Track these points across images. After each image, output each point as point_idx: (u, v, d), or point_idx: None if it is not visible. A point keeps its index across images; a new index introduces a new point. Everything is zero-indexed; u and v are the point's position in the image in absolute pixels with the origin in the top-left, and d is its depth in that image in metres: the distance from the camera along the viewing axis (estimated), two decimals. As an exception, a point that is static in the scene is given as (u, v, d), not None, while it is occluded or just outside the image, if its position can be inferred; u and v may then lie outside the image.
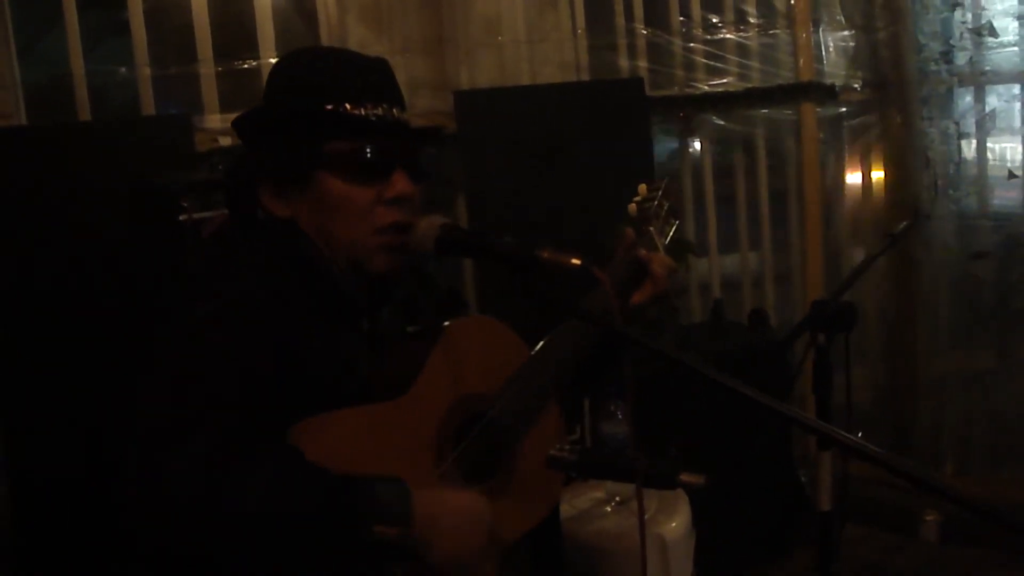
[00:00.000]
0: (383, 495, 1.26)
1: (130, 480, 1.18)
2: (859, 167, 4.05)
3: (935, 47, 3.71)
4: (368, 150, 1.45)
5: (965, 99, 3.78)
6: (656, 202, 1.74)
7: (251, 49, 3.19)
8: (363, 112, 1.45)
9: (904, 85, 3.80)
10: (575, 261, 1.31)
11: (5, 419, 2.57)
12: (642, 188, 1.77)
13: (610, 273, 1.59)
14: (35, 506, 2.53)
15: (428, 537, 1.29)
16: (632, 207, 1.73)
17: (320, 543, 1.21)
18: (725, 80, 3.76)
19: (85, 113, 3.00)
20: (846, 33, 3.88)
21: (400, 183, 1.47)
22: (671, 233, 1.77)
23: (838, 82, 3.88)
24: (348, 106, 1.44)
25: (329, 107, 1.44)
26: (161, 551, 1.21)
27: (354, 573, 1.27)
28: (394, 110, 1.49)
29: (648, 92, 3.59)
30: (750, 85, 3.77)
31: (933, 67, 3.73)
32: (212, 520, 1.17)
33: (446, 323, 1.52)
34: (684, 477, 1.34)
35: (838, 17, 3.85)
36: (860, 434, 3.89)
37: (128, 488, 1.18)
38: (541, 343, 1.58)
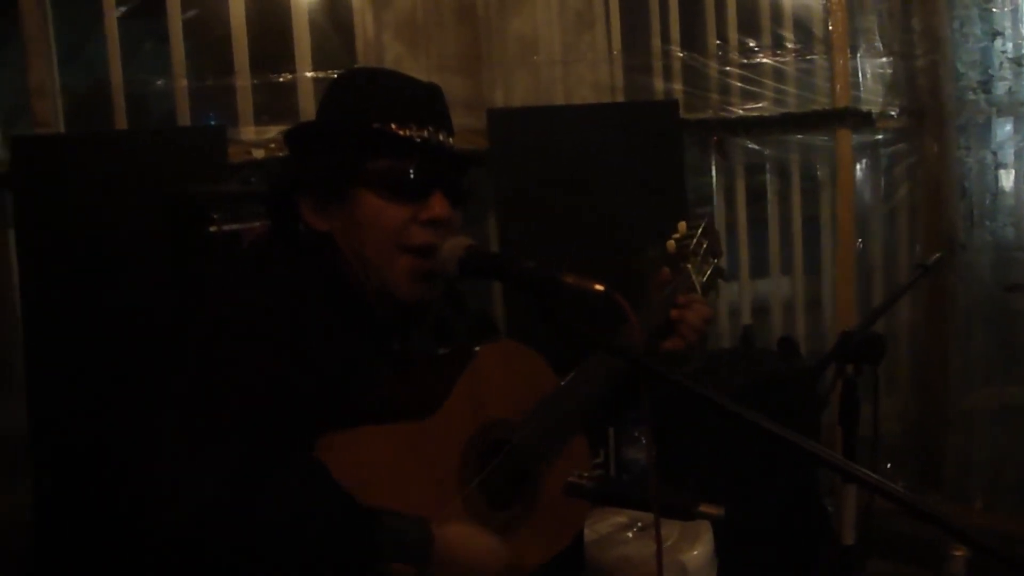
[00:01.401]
0: (404, 532, 1.27)
1: (152, 489, 1.20)
2: (894, 195, 4.00)
3: (974, 76, 3.67)
4: (409, 170, 1.47)
5: (1004, 129, 3.74)
6: (695, 240, 1.74)
7: (287, 63, 3.22)
8: (408, 133, 1.47)
9: (942, 113, 3.76)
10: (598, 287, 1.30)
11: (35, 424, 2.59)
12: (682, 226, 1.77)
13: (644, 317, 1.59)
14: (59, 511, 2.55)
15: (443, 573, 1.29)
16: (671, 244, 1.73)
17: (336, 570, 1.21)
18: (760, 104, 3.73)
19: (122, 122, 3.04)
20: (884, 60, 3.85)
21: (438, 206, 1.48)
22: (709, 272, 1.76)
23: (875, 109, 3.84)
24: (394, 126, 1.47)
25: (376, 125, 1.46)
26: (180, 560, 1.21)
27: None
28: (440, 134, 1.51)
29: (682, 115, 3.58)
30: (786, 110, 3.74)
31: (971, 96, 3.69)
32: (231, 532, 1.18)
33: (476, 347, 1.53)
34: (703, 508, 1.33)
35: (876, 44, 3.82)
36: (889, 465, 3.84)
37: (150, 496, 1.19)
38: (571, 374, 1.58)
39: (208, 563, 1.20)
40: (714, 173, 3.79)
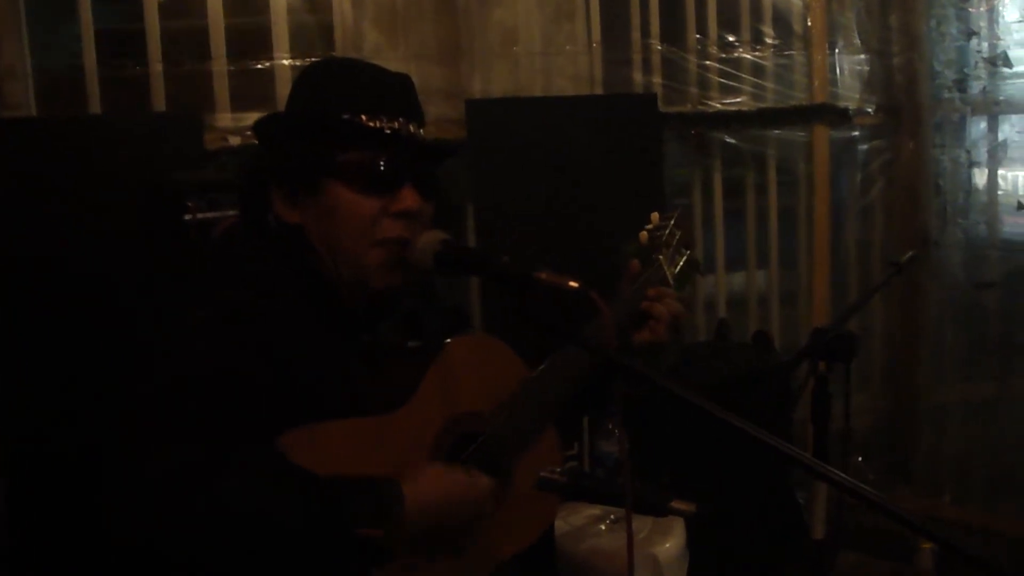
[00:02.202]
0: (372, 494, 1.27)
1: (116, 480, 1.19)
2: (869, 191, 4.03)
3: (950, 75, 3.71)
4: (380, 162, 1.46)
5: (978, 128, 3.78)
6: (668, 231, 1.73)
7: (265, 50, 3.19)
8: (378, 124, 1.46)
9: (917, 111, 3.80)
10: (572, 284, 1.30)
11: (3, 418, 2.56)
12: (654, 216, 1.76)
13: (615, 307, 1.59)
14: (30, 505, 2.52)
15: (423, 529, 1.31)
16: (643, 235, 1.72)
17: (302, 545, 1.21)
18: (739, 99, 3.74)
19: (96, 107, 3.00)
20: (862, 57, 3.87)
21: (409, 198, 1.47)
22: (681, 263, 1.76)
23: (852, 105, 3.86)
24: (364, 117, 1.46)
25: (346, 116, 1.46)
26: (144, 551, 1.21)
27: (333, 572, 1.27)
28: (411, 126, 1.50)
29: (661, 108, 3.58)
30: (764, 105, 3.75)
31: (947, 94, 3.73)
32: (195, 523, 1.18)
33: (447, 340, 1.52)
34: (675, 505, 1.34)
35: (854, 41, 3.84)
36: (860, 459, 3.88)
37: (113, 488, 1.19)
38: (541, 366, 1.58)
39: (169, 554, 1.20)
40: (692, 166, 3.81)
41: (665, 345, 1.68)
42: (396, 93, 1.51)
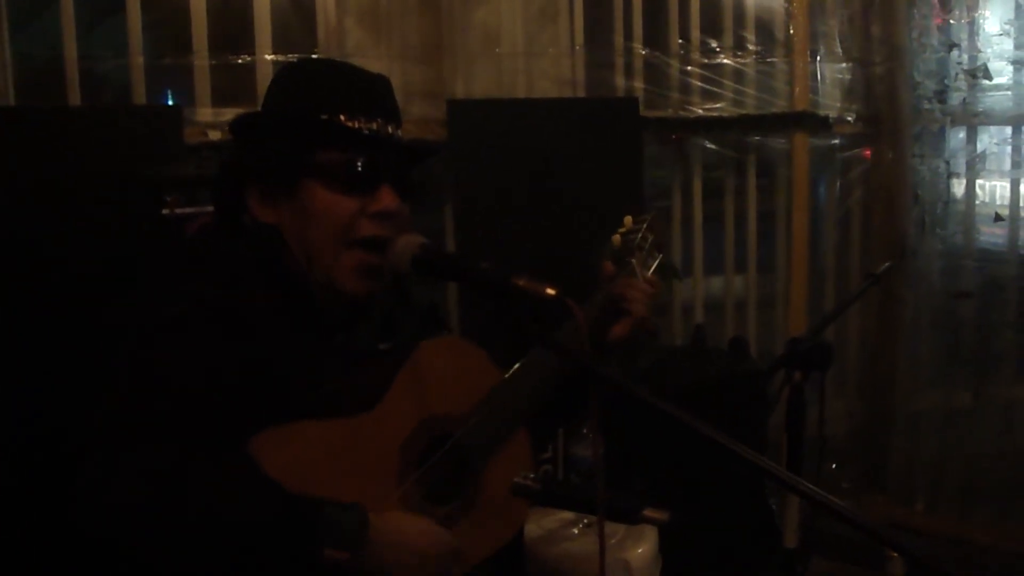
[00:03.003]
0: (337, 517, 1.25)
1: (82, 480, 1.18)
2: (848, 199, 4.06)
3: (930, 85, 3.74)
4: (358, 162, 1.46)
5: (957, 138, 3.81)
6: (640, 235, 1.74)
7: (247, 45, 3.17)
8: (356, 125, 1.46)
9: (897, 121, 3.83)
10: (550, 291, 1.30)
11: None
12: (627, 220, 1.76)
13: (588, 308, 1.59)
14: (7, 505, 2.49)
15: (381, 565, 1.28)
16: (616, 238, 1.73)
17: (268, 558, 1.21)
18: (720, 105, 3.76)
19: (76, 98, 2.98)
20: (843, 65, 3.90)
21: (386, 198, 1.47)
22: (654, 266, 1.76)
23: (832, 114, 3.88)
24: (342, 117, 1.46)
25: (324, 116, 1.46)
26: (112, 550, 1.20)
27: None
28: (388, 127, 1.50)
29: (642, 112, 3.59)
30: (744, 111, 3.77)
31: (927, 105, 3.76)
32: (159, 525, 1.17)
33: (420, 343, 1.51)
34: (648, 513, 1.35)
35: (836, 49, 3.87)
36: (834, 466, 3.90)
37: (79, 487, 1.18)
38: (512, 368, 1.58)
39: (134, 556, 1.20)
40: (672, 171, 3.82)
41: (643, 340, 1.68)
42: (374, 94, 1.51)
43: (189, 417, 1.23)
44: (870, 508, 3.75)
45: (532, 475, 1.42)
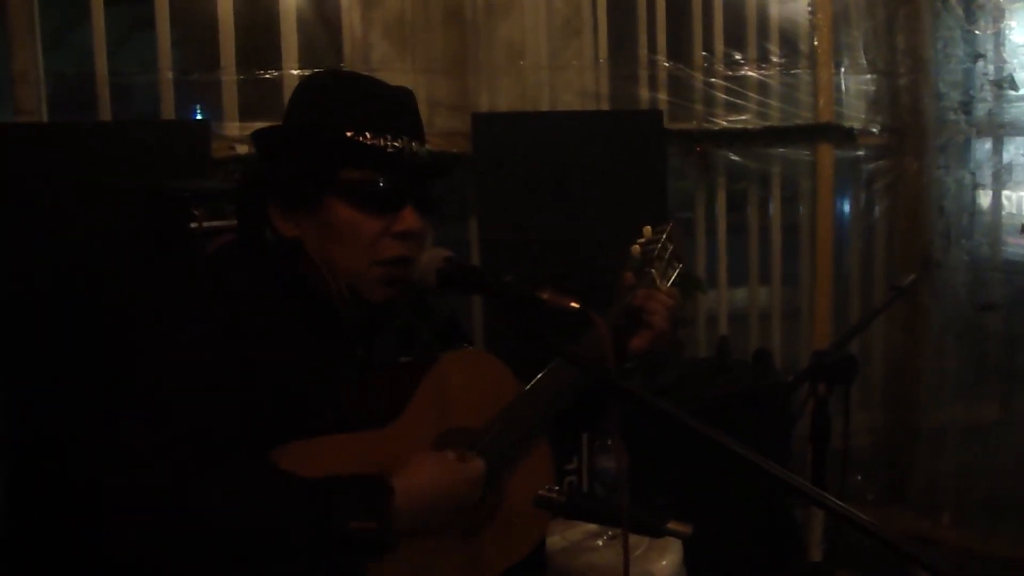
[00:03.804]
0: (359, 490, 1.28)
1: (109, 496, 1.20)
2: (873, 211, 4.04)
3: (955, 96, 3.72)
4: (381, 181, 1.45)
5: (983, 149, 3.79)
6: (660, 245, 1.74)
7: (274, 60, 3.21)
8: (382, 143, 1.44)
9: (922, 132, 3.81)
10: (574, 304, 1.31)
11: (2, 417, 2.57)
12: (646, 230, 1.77)
13: (608, 319, 1.59)
14: (27, 503, 2.53)
15: (412, 525, 1.32)
16: (635, 248, 1.73)
17: (298, 544, 1.23)
18: (744, 117, 3.76)
19: (106, 113, 3.03)
20: (868, 77, 3.88)
21: (410, 218, 1.47)
22: (673, 277, 1.77)
23: (856, 125, 3.87)
24: (368, 135, 1.44)
25: (349, 134, 1.44)
26: (139, 562, 1.22)
27: (330, 569, 1.28)
28: (413, 143, 1.48)
29: (666, 124, 3.59)
30: (769, 123, 3.77)
31: (952, 116, 3.74)
32: (187, 533, 1.19)
33: (440, 355, 1.53)
34: (672, 526, 1.35)
35: (860, 61, 3.86)
36: (859, 477, 3.88)
37: (107, 500, 1.20)
38: (533, 381, 1.58)
39: (167, 564, 1.21)
40: (697, 183, 3.82)
41: (666, 352, 1.68)
42: (399, 110, 1.51)
43: (210, 432, 1.25)
44: (895, 521, 3.72)
45: (556, 487, 1.43)
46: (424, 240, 1.50)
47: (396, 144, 1.45)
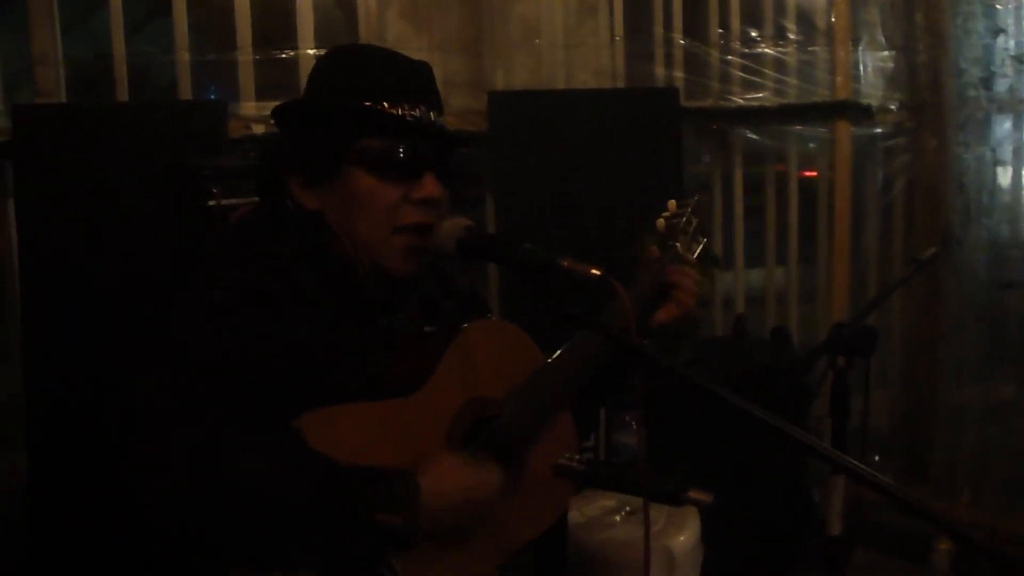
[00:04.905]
0: (388, 484, 1.28)
1: (133, 462, 1.21)
2: (891, 189, 4.01)
3: (975, 72, 3.67)
4: (401, 149, 1.46)
5: (1003, 126, 3.74)
6: (685, 218, 1.74)
7: (290, 39, 3.21)
8: (400, 112, 1.46)
9: (942, 109, 3.77)
10: (595, 271, 1.31)
11: (30, 393, 2.60)
12: (671, 204, 1.76)
13: (633, 291, 1.59)
14: (53, 479, 2.56)
15: (436, 524, 1.32)
16: (660, 222, 1.73)
17: (322, 528, 1.23)
18: (760, 94, 3.74)
19: (124, 94, 3.04)
20: (886, 53, 3.85)
21: (429, 185, 1.48)
22: (698, 251, 1.77)
23: (875, 103, 3.84)
24: (386, 104, 1.46)
25: (367, 104, 1.46)
26: (164, 532, 1.23)
27: (351, 558, 1.29)
28: (431, 113, 1.50)
29: (683, 103, 3.57)
30: (785, 101, 3.74)
31: (972, 92, 3.69)
32: (212, 501, 1.19)
33: (464, 325, 1.53)
34: (692, 494, 1.34)
35: (879, 37, 3.82)
36: (877, 458, 3.87)
37: (131, 469, 1.21)
38: (557, 352, 1.58)
39: (188, 532, 1.22)
40: (713, 161, 3.80)
41: (686, 328, 1.68)
42: (417, 80, 1.52)
43: (234, 396, 1.25)
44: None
45: (576, 456, 1.43)
46: (444, 208, 1.51)
47: (414, 113, 1.47)
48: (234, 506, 1.20)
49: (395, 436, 1.39)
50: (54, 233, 2.62)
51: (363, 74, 1.49)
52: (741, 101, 3.70)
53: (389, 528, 1.26)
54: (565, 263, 1.33)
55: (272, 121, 1.59)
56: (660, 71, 3.63)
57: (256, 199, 1.60)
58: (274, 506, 1.22)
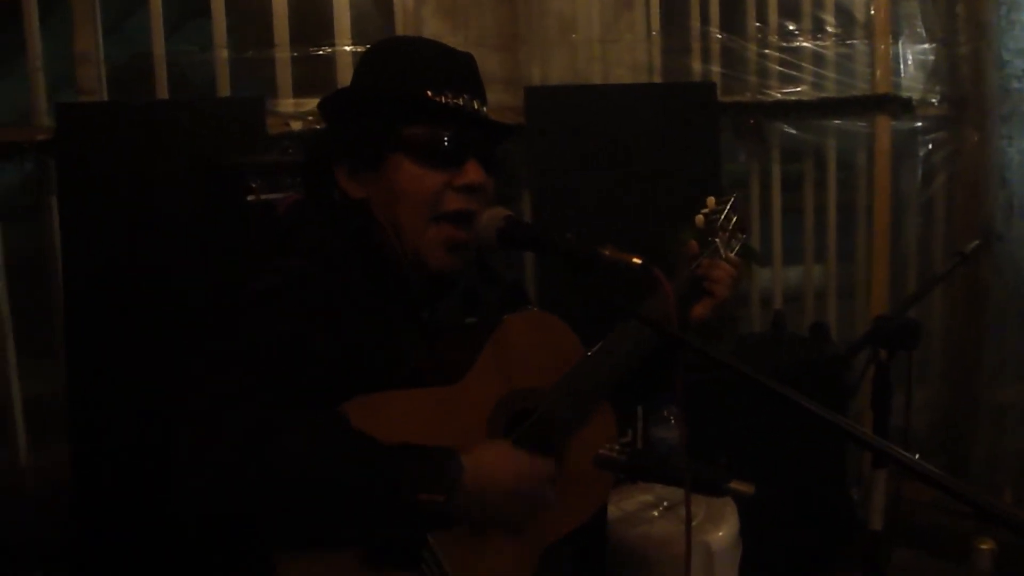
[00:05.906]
0: (431, 463, 1.29)
1: (181, 445, 1.22)
2: (932, 184, 3.96)
3: (1019, 64, 3.62)
4: (445, 137, 1.48)
5: (1047, 119, 3.69)
6: (723, 215, 1.73)
7: (327, 36, 3.23)
8: (444, 100, 1.48)
9: (984, 102, 3.72)
10: (636, 260, 1.31)
11: (73, 388, 2.63)
12: (710, 200, 1.76)
13: (672, 285, 1.58)
14: (96, 472, 2.59)
15: (479, 506, 1.33)
16: (699, 218, 1.73)
17: (365, 506, 1.25)
18: (799, 88, 3.70)
19: (164, 92, 3.07)
20: (926, 46, 3.81)
21: (472, 172, 1.49)
22: (737, 248, 1.76)
23: (915, 96, 3.80)
24: (430, 92, 1.47)
25: (412, 91, 1.48)
26: (211, 511, 1.25)
27: (393, 537, 1.30)
28: (475, 102, 1.52)
29: (720, 97, 3.55)
30: (824, 95, 3.71)
31: (1015, 85, 3.64)
32: (259, 480, 1.21)
33: (504, 316, 1.53)
34: (734, 485, 1.34)
35: (919, 30, 3.78)
36: (917, 456, 3.81)
37: (179, 452, 1.22)
38: (599, 344, 1.58)
39: (234, 513, 1.24)
40: (750, 156, 3.77)
41: (725, 322, 1.68)
42: (461, 70, 1.53)
43: (283, 380, 1.27)
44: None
45: (616, 447, 1.43)
46: (487, 196, 1.51)
47: (458, 102, 1.48)
48: (279, 485, 1.22)
49: (436, 425, 1.40)
50: (96, 229, 2.65)
51: (408, 63, 1.51)
52: (779, 95, 3.67)
53: (431, 507, 1.26)
54: (607, 251, 1.33)
55: (311, 118, 1.61)
56: (697, 65, 3.61)
57: (294, 193, 1.61)
58: (318, 485, 1.23)
